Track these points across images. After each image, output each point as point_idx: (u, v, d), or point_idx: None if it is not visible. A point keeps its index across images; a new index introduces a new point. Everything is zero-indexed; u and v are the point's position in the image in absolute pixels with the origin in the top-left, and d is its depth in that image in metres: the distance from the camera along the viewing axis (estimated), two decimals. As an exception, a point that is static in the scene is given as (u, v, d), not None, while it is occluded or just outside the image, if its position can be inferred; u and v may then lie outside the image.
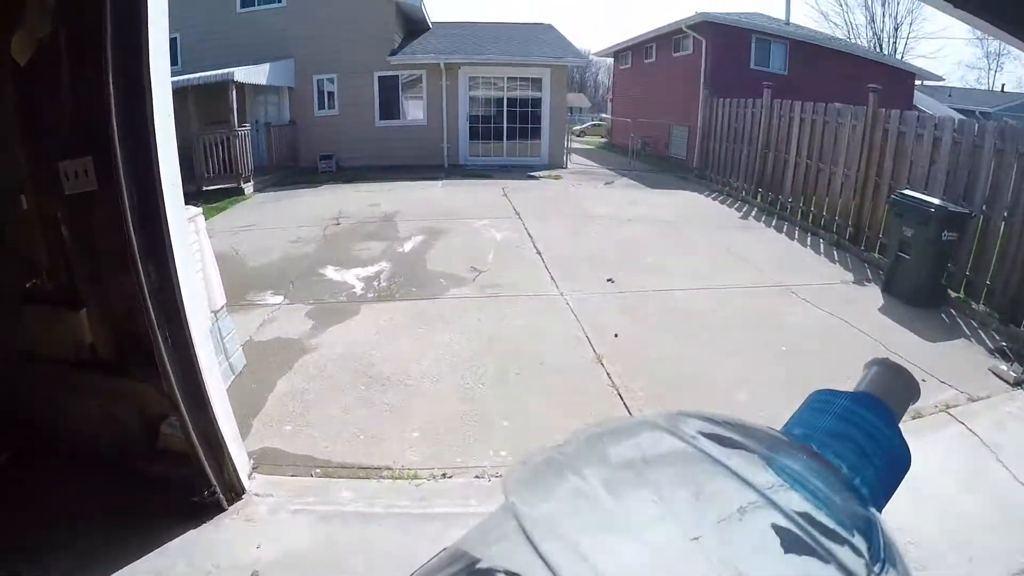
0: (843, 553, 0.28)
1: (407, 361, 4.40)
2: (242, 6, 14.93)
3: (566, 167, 15.56)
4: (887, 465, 0.36)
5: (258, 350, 4.69)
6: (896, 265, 6.03)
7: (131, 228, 2.19)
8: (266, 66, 13.43)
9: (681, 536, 0.28)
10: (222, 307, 4.15)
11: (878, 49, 26.49)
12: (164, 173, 2.27)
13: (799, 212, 9.44)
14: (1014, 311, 5.21)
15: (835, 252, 7.79)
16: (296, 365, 4.41)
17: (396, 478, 3.07)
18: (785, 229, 9.12)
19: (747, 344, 4.80)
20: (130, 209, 2.19)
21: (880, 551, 0.29)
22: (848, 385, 0.42)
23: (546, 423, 3.58)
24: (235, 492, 2.67)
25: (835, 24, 29.73)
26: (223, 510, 2.58)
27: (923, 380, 3.84)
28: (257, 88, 13.99)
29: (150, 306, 2.27)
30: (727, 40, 15.40)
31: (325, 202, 10.58)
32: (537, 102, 15.59)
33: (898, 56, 26.21)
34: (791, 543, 0.28)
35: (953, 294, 5.92)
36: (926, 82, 20.38)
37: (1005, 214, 5.56)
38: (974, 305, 5.67)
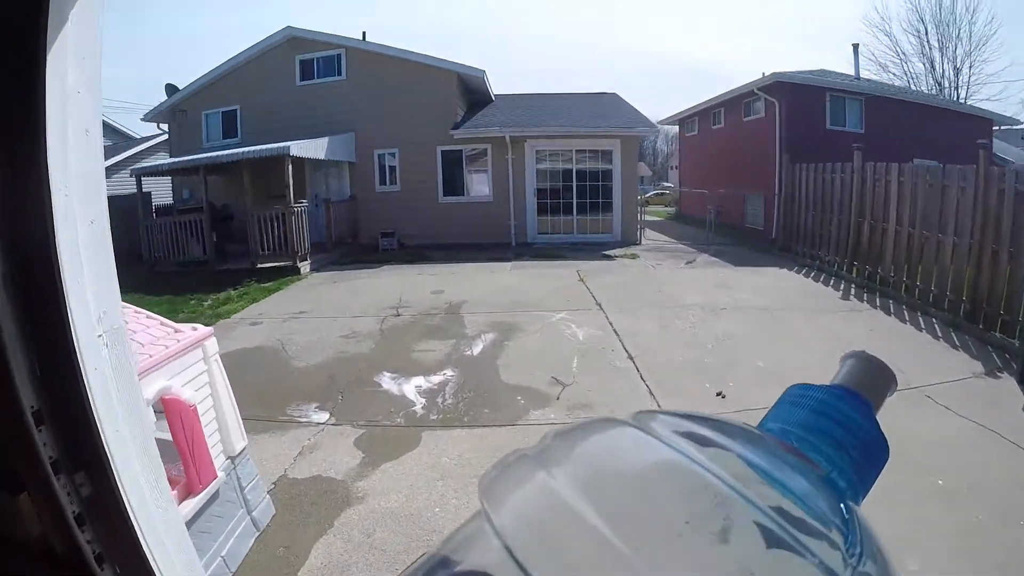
0: (820, 547, 0.28)
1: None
2: (302, 79, 15.00)
3: (640, 243, 14.56)
4: (865, 457, 0.36)
5: (292, 493, 3.74)
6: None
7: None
8: (324, 140, 13.17)
9: (655, 535, 0.28)
10: (242, 451, 3.22)
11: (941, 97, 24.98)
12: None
13: (903, 287, 8.35)
14: None
15: (953, 334, 6.67)
16: (338, 522, 3.42)
17: None
18: (892, 309, 7.96)
19: (895, 480, 3.54)
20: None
21: (858, 544, 0.29)
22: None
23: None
24: None
25: (894, 75, 28.24)
26: None
27: None
28: (317, 163, 13.71)
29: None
30: (801, 100, 14.55)
31: (385, 286, 9.84)
32: (607, 174, 14.77)
33: (963, 101, 24.64)
34: (767, 539, 0.27)
35: None
36: (1002, 127, 18.88)
37: None
38: None
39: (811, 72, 16.38)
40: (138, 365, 2.54)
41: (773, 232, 13.95)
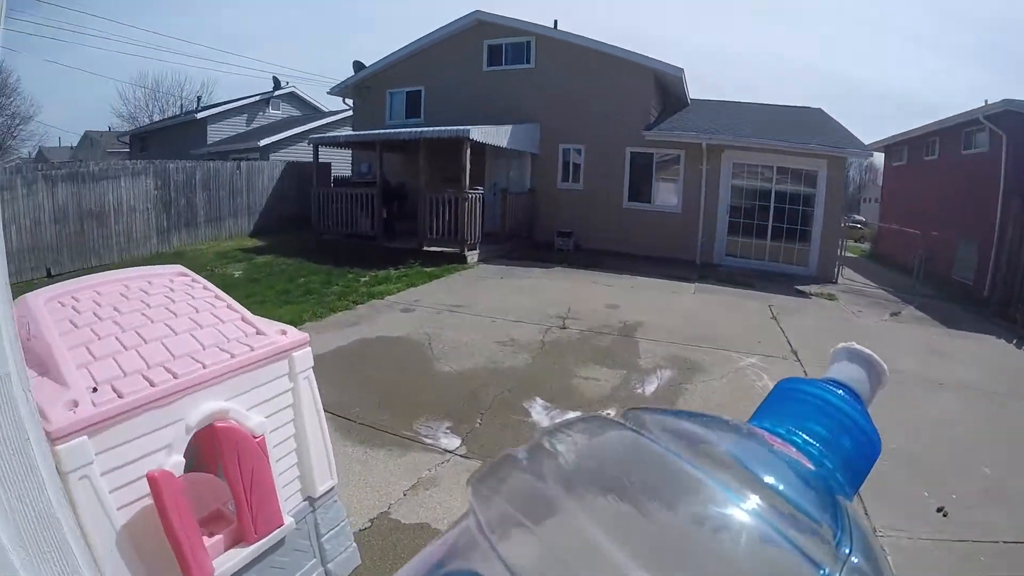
0: (810, 542, 0.27)
1: None
2: (488, 64, 14.47)
3: (836, 282, 12.43)
4: (856, 452, 0.36)
5: (389, 541, 2.86)
6: None
7: None
8: (508, 128, 12.51)
9: (645, 532, 0.28)
10: (326, 492, 2.28)
11: None
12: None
13: None
14: None
15: None
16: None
17: None
18: None
19: None
20: None
21: (848, 539, 0.29)
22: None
23: None
24: None
25: None
26: None
27: None
28: (498, 151, 13.11)
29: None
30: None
31: (554, 291, 8.93)
32: (809, 199, 12.72)
33: None
34: (757, 535, 0.27)
35: None
36: None
37: None
38: None
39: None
40: (189, 376, 1.71)
41: (986, 289, 11.55)
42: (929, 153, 16.41)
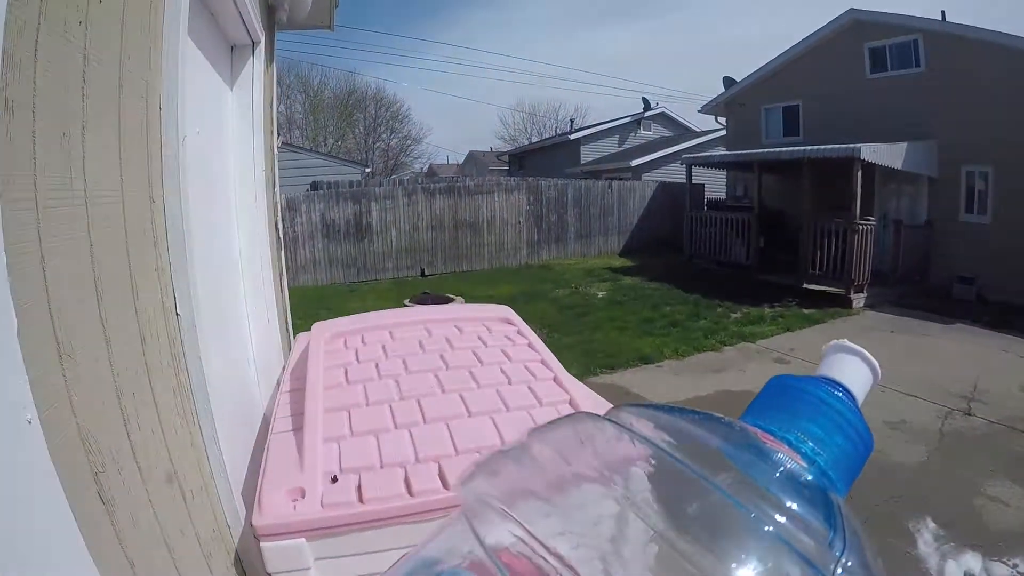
0: (802, 540, 0.27)
1: None
2: (872, 71, 12.43)
3: None
4: (849, 449, 0.35)
5: None
6: None
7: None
8: (902, 146, 10.74)
9: (635, 530, 0.28)
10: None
11: None
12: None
13: None
14: None
15: None
16: None
17: None
18: None
19: None
20: None
21: (841, 537, 0.29)
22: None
23: None
24: None
25: None
26: None
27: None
28: (887, 174, 11.31)
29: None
30: None
31: (955, 356, 7.32)
32: None
33: None
34: (749, 532, 0.27)
35: None
36: None
37: None
38: None
39: None
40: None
41: None
42: None
